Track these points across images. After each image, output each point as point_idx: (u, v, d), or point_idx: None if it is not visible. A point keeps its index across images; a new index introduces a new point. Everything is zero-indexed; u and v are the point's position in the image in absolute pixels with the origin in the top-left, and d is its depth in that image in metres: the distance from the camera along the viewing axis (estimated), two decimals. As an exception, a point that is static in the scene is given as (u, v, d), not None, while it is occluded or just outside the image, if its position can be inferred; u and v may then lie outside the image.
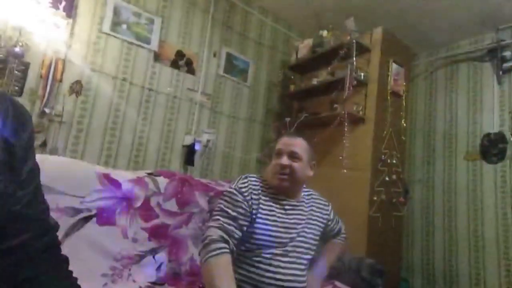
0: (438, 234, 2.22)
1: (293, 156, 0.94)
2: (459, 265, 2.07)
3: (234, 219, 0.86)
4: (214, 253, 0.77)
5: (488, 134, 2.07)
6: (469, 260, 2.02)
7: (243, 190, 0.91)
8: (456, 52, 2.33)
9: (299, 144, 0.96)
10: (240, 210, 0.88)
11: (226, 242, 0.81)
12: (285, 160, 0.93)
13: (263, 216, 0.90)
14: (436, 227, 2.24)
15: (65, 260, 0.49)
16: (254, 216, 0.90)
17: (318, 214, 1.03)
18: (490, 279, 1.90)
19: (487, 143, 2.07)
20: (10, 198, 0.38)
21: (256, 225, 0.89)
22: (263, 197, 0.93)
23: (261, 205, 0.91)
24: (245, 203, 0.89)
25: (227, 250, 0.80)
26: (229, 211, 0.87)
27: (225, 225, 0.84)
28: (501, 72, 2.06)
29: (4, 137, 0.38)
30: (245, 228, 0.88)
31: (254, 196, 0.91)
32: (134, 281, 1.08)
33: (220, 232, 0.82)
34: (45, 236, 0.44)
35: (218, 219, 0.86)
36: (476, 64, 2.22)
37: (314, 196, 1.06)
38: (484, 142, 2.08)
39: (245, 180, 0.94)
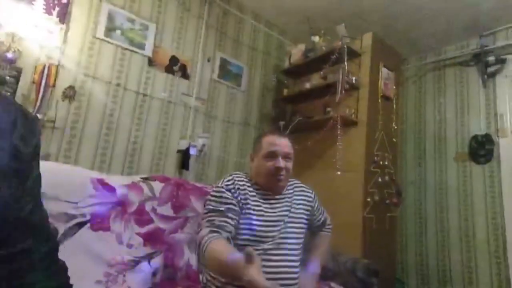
0: (431, 235, 2.26)
1: (287, 157, 0.97)
2: (452, 265, 2.10)
3: (223, 213, 0.85)
4: (208, 241, 0.77)
5: (476, 136, 2.13)
6: (462, 259, 2.06)
7: (230, 187, 0.92)
8: (443, 57, 2.41)
9: (289, 144, 1.00)
10: (230, 206, 0.88)
11: (217, 232, 0.81)
12: (282, 163, 0.94)
13: (252, 212, 0.91)
14: (429, 228, 2.28)
15: (63, 266, 0.49)
16: (243, 211, 0.90)
17: (301, 201, 1.03)
18: (482, 278, 1.94)
19: (475, 144, 2.13)
20: (15, 205, 0.38)
21: (244, 221, 0.90)
22: (249, 194, 0.94)
23: (248, 200, 0.93)
24: (234, 199, 0.90)
25: (221, 236, 0.80)
26: (218, 206, 0.87)
27: (214, 221, 0.84)
28: (486, 76, 2.14)
29: (14, 144, 0.38)
30: (235, 222, 0.87)
31: (241, 192, 0.92)
32: (129, 287, 1.07)
33: (210, 228, 0.82)
34: (47, 242, 0.44)
35: (207, 220, 0.85)
36: (462, 69, 2.30)
37: (296, 185, 1.08)
38: (472, 144, 2.14)
39: (230, 178, 0.95)
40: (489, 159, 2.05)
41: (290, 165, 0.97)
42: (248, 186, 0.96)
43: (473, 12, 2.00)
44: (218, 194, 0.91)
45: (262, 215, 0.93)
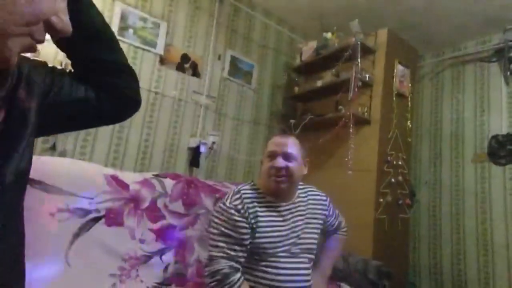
0: (445, 237, 2.19)
1: (288, 157, 0.91)
2: (467, 269, 2.03)
3: (239, 242, 0.85)
4: (234, 285, 0.79)
5: (496, 136, 2.04)
6: (478, 264, 1.98)
7: (239, 207, 0.88)
8: (462, 52, 2.31)
9: (292, 144, 0.93)
10: (243, 230, 0.86)
11: (237, 269, 0.82)
12: (280, 162, 0.90)
13: (263, 227, 0.89)
14: (444, 230, 2.21)
15: None
16: (254, 227, 0.88)
17: (316, 210, 1.00)
18: (500, 284, 1.86)
19: (495, 144, 2.04)
20: None
21: (257, 235, 0.88)
22: (259, 208, 0.91)
23: (258, 217, 0.89)
24: (245, 220, 0.87)
25: (241, 278, 0.82)
26: (232, 233, 0.85)
27: (230, 252, 0.83)
28: (508, 73, 2.03)
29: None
30: (247, 247, 0.87)
31: (250, 210, 0.89)
32: (141, 281, 1.10)
33: (229, 263, 0.82)
34: None
35: (222, 247, 0.84)
36: (483, 65, 2.20)
37: (310, 192, 1.03)
38: (492, 144, 2.05)
39: (238, 196, 0.91)
40: (511, 161, 1.95)
41: (292, 165, 0.91)
42: (257, 200, 0.92)
43: (496, 4, 1.89)
44: (227, 215, 0.88)
45: (274, 228, 0.90)
